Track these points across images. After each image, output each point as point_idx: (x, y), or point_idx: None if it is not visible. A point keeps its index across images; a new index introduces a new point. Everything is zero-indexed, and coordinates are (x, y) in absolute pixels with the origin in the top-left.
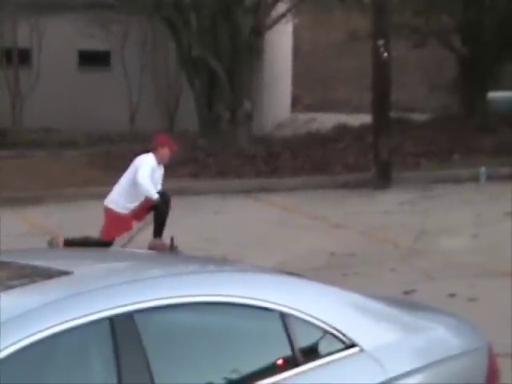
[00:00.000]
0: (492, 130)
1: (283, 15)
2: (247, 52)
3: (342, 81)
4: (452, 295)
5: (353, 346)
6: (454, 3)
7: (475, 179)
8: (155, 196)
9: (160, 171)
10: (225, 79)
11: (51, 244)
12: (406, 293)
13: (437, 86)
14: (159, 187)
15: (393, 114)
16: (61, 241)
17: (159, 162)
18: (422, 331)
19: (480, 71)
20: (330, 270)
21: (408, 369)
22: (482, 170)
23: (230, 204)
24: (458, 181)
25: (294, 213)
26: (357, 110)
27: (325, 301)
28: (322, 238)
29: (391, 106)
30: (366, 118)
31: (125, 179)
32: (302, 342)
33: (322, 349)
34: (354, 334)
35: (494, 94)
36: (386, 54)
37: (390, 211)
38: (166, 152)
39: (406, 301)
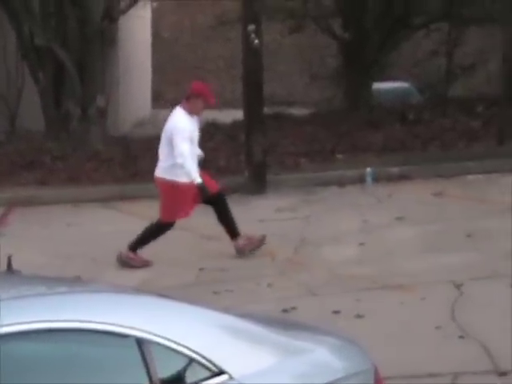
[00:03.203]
0: (379, 124)
1: None
2: (99, 40)
3: (211, 71)
4: (337, 312)
5: (221, 373)
6: None
7: (361, 180)
8: (198, 180)
9: (194, 125)
10: (74, 71)
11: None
12: (285, 311)
13: (318, 77)
14: (197, 151)
15: (268, 109)
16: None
17: (190, 113)
18: (302, 354)
19: (364, 60)
20: (199, 288)
21: None
22: (369, 170)
23: (83, 214)
24: (342, 183)
25: (144, 220)
26: (228, 104)
27: (190, 323)
28: (191, 251)
29: (266, 100)
30: (238, 114)
31: (165, 148)
32: (163, 371)
33: (186, 378)
34: (222, 361)
35: (379, 85)
36: (257, 41)
37: (266, 219)
38: (199, 104)
39: (285, 320)
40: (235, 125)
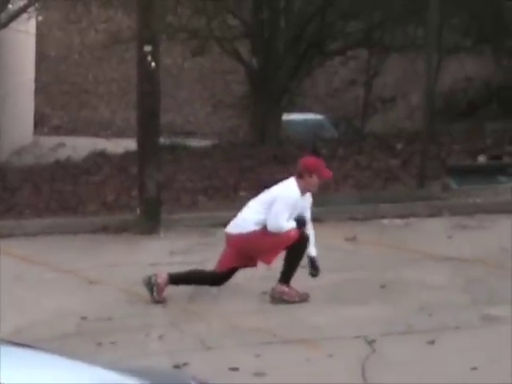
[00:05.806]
0: (287, 160)
1: (23, 9)
2: None
3: (102, 96)
4: (234, 369)
5: None
6: (242, 2)
7: None
8: (289, 226)
9: (305, 202)
10: None
11: (148, 284)
12: (177, 366)
13: (222, 105)
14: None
15: (164, 139)
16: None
17: (303, 191)
18: None
19: (273, 88)
20: (81, 339)
21: None
22: None
23: None
24: None
25: (36, 264)
26: (120, 133)
27: (63, 380)
28: (71, 298)
29: (162, 129)
30: (131, 144)
31: (258, 207)
32: None
33: None
34: None
35: (289, 117)
36: (154, 64)
37: (158, 263)
38: (314, 182)
39: (176, 375)
40: (127, 156)
